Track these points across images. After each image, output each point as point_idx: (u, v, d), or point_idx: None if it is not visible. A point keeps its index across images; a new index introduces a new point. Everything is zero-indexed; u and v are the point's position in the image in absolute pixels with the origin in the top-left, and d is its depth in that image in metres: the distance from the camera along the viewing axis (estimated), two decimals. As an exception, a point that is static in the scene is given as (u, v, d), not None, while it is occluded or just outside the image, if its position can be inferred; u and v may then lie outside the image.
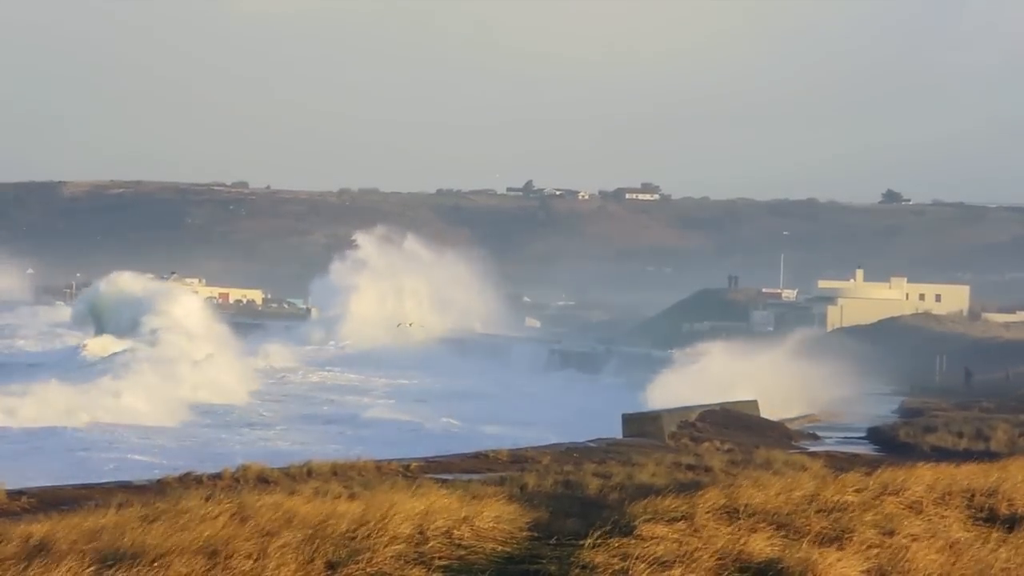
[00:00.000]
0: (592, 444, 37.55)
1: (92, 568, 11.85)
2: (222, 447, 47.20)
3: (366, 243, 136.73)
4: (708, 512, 14.43)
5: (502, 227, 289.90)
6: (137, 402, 59.44)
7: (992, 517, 16.11)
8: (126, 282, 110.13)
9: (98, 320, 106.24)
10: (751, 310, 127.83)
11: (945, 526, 15.17)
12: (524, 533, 14.98)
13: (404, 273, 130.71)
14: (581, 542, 13.35)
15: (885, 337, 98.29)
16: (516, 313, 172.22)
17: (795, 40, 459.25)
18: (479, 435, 49.64)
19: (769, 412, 50.79)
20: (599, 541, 13.08)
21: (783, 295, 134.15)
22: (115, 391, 60.82)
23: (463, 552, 13.85)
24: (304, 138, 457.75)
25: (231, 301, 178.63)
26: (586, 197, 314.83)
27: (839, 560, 12.52)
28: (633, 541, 13.06)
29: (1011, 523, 15.75)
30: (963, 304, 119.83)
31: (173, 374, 68.97)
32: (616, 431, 42.33)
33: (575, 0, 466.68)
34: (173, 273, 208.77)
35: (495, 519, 14.99)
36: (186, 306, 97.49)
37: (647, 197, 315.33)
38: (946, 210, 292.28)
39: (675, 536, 13.38)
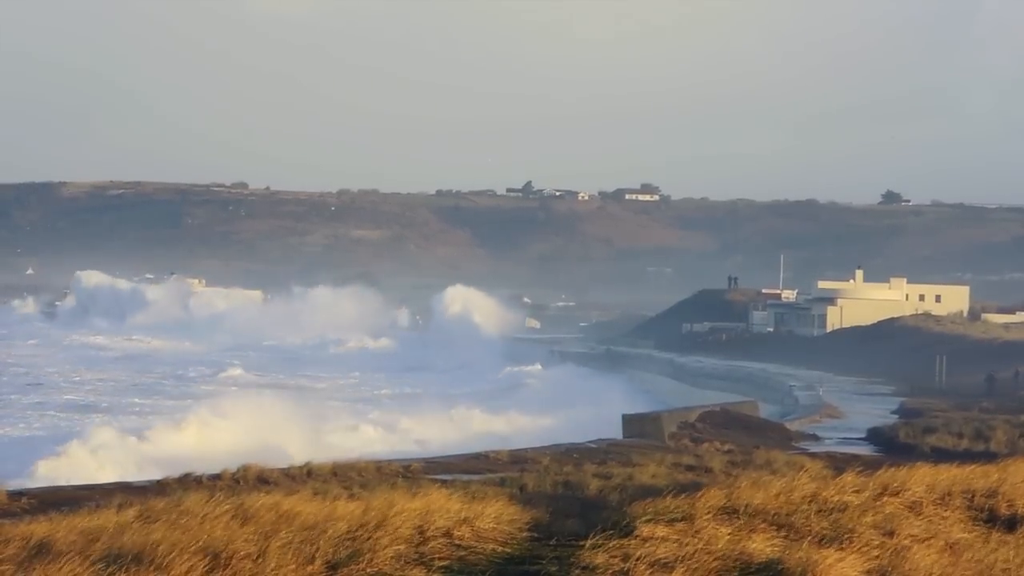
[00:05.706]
0: (592, 445, 37.56)
1: (92, 569, 11.83)
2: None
3: None
4: (708, 513, 14.40)
5: (502, 227, 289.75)
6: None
7: (992, 518, 16.09)
8: None
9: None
10: (751, 310, 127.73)
11: (945, 527, 15.16)
12: (524, 534, 14.96)
13: None
14: (581, 543, 13.34)
15: (885, 338, 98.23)
16: (516, 314, 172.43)
17: (796, 41, 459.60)
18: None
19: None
20: (599, 542, 13.07)
21: (783, 295, 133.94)
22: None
23: (463, 553, 13.84)
24: (304, 138, 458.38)
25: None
26: (586, 197, 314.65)
27: (839, 561, 12.51)
28: (633, 542, 13.05)
29: (1011, 524, 15.74)
30: (963, 304, 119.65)
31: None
32: (616, 431, 42.37)
33: (575, 1, 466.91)
34: (173, 273, 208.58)
35: (495, 520, 14.97)
36: None
37: (647, 197, 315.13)
38: (946, 210, 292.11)
39: (675, 537, 13.36)
